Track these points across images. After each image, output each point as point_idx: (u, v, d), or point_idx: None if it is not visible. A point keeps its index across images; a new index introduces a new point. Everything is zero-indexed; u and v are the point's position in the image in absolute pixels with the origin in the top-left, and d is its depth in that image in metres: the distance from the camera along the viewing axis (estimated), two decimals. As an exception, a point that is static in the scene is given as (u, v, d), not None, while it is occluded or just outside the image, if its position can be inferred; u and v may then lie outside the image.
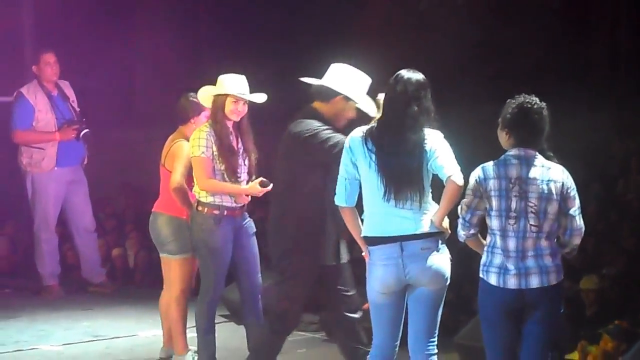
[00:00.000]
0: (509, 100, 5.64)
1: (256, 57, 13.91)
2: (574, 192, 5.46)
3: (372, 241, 5.66)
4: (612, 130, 13.52)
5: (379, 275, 5.66)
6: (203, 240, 7.19)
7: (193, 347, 7.69)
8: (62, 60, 10.30)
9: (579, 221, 5.49)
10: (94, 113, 10.63)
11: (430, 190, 5.65)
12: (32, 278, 10.59)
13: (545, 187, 5.37)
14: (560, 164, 5.51)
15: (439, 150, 5.55)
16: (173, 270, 7.57)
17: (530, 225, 5.37)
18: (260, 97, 7.17)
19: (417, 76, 5.67)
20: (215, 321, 7.95)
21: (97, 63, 10.91)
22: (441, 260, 5.63)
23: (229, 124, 7.22)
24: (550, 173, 5.42)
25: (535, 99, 5.51)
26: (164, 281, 7.73)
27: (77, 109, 10.27)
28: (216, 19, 15.34)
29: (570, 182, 5.46)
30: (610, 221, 11.17)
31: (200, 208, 7.19)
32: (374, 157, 5.59)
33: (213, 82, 7.23)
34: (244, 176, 7.19)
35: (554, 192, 5.38)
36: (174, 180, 7.35)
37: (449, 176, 5.46)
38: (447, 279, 5.69)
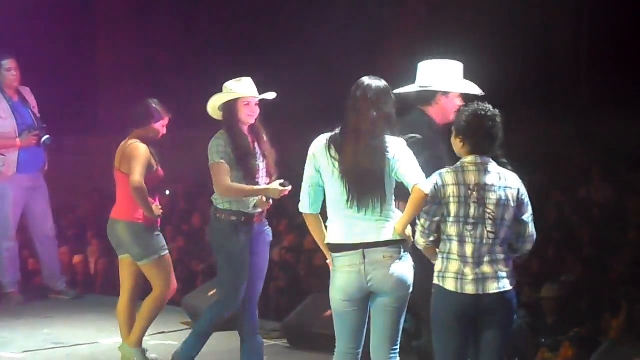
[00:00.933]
0: (461, 107, 5.69)
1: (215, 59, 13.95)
2: (527, 199, 5.50)
3: (334, 248, 5.66)
4: (574, 139, 13.63)
5: (342, 283, 5.66)
6: (222, 246, 7.09)
7: (153, 355, 7.70)
8: (22, 66, 10.22)
9: (532, 228, 5.52)
10: (55, 119, 10.55)
11: (394, 198, 5.65)
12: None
13: (502, 193, 5.40)
14: (513, 171, 5.55)
15: (402, 158, 5.54)
16: (150, 274, 7.52)
17: (488, 232, 5.39)
18: (271, 95, 7.09)
19: (378, 83, 5.66)
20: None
21: (59, 69, 10.84)
22: (403, 268, 5.60)
23: (244, 129, 7.11)
24: (506, 180, 5.46)
25: (489, 106, 5.53)
26: (121, 286, 7.69)
27: (38, 115, 10.21)
28: (181, 23, 15.33)
29: (523, 189, 5.50)
30: (571, 229, 11.25)
31: (218, 215, 7.09)
32: (336, 164, 5.60)
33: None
34: (262, 180, 7.10)
35: (510, 198, 5.42)
36: (133, 180, 7.28)
37: (415, 184, 5.45)
38: (409, 286, 5.66)
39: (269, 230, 7.34)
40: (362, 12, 14.82)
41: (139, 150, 7.36)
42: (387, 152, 5.54)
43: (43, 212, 10.27)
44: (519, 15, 14.68)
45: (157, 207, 7.46)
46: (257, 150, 7.15)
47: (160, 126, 7.54)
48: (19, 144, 9.94)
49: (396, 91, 5.89)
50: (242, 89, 7.07)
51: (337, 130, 5.70)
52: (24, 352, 8.52)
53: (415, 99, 6.36)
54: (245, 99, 7.05)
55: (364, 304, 5.67)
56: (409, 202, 5.49)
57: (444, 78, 6.29)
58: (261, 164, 7.13)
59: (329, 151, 5.62)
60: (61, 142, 10.27)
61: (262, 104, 7.17)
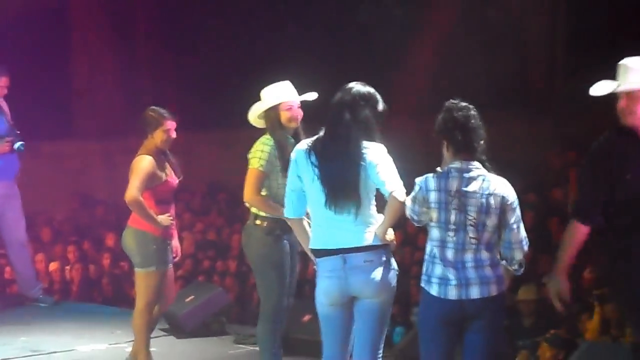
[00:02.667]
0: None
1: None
2: (514, 205, 5.43)
3: (317, 253, 5.65)
4: (550, 141, 13.67)
5: (324, 287, 5.64)
6: (264, 255, 6.87)
7: (157, 359, 7.69)
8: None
9: (520, 233, 5.46)
10: (29, 125, 10.49)
11: (374, 202, 5.63)
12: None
13: (484, 200, 5.35)
14: (499, 176, 5.52)
15: (380, 164, 5.49)
16: (137, 282, 7.53)
17: (470, 237, 5.35)
18: (312, 95, 6.97)
19: (360, 87, 5.64)
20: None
21: (34, 75, 10.78)
22: (384, 272, 5.57)
23: (289, 133, 6.86)
24: (489, 186, 5.39)
25: (463, 103, 5.48)
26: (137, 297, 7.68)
27: (11, 122, 10.16)
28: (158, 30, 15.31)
29: (510, 195, 5.42)
30: (547, 231, 11.29)
31: (258, 222, 6.92)
32: (315, 170, 5.60)
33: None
34: None
35: (492, 205, 5.36)
36: (127, 194, 7.29)
37: (391, 192, 5.42)
38: (391, 290, 5.63)
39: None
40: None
41: (138, 164, 7.36)
42: (363, 158, 5.51)
43: (16, 219, 10.20)
44: (494, 16, 14.74)
45: (165, 218, 7.44)
46: None
47: (163, 132, 7.48)
48: None
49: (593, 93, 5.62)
50: (280, 93, 6.89)
51: (319, 135, 5.70)
52: (2, 359, 8.47)
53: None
54: (287, 104, 6.86)
55: (348, 308, 5.65)
56: (386, 210, 5.47)
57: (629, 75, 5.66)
58: None
59: (310, 157, 5.61)
60: (37, 148, 10.19)
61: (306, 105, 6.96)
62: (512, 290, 9.70)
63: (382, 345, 5.69)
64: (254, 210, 6.92)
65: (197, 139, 14.57)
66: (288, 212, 5.75)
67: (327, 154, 5.56)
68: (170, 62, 15.62)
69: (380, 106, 5.67)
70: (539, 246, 10.70)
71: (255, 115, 6.92)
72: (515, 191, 5.44)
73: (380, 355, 5.69)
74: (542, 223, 11.50)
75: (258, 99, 6.94)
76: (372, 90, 5.67)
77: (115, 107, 15.11)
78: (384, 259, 5.57)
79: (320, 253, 5.62)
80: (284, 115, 6.85)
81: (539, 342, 8.79)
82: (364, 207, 5.54)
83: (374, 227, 5.56)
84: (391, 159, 5.55)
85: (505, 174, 5.52)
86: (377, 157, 5.51)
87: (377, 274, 5.55)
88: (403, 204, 5.42)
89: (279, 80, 6.93)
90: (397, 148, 5.68)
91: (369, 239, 5.54)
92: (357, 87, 5.65)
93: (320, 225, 5.62)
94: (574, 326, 9.11)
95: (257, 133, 7.02)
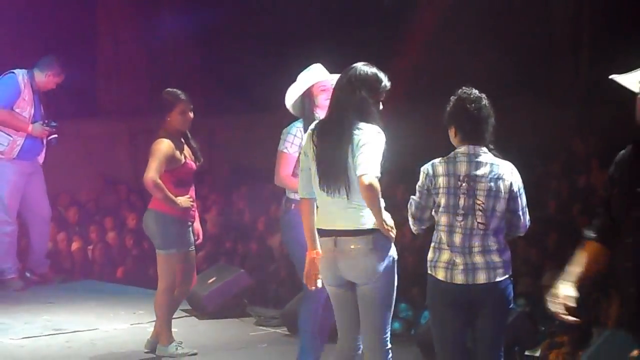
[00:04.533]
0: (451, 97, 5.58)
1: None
2: (521, 190, 5.44)
3: (318, 233, 5.62)
4: (574, 127, 13.60)
5: (321, 268, 5.63)
6: (295, 238, 6.62)
7: (186, 349, 7.73)
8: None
9: (525, 219, 5.49)
10: (54, 103, 10.56)
11: None
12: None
13: (493, 185, 5.34)
14: (510, 161, 5.49)
15: (364, 146, 5.35)
16: (159, 264, 7.58)
17: (478, 222, 5.34)
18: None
19: (360, 68, 5.52)
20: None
21: (60, 56, 10.82)
22: (373, 259, 5.43)
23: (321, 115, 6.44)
24: (498, 170, 5.38)
25: (474, 91, 5.46)
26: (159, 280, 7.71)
27: (44, 114, 10.27)
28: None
29: (517, 180, 5.43)
30: (572, 217, 11.24)
31: (288, 205, 6.87)
32: (315, 149, 5.55)
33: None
34: None
35: (502, 190, 5.36)
36: (145, 177, 7.35)
37: (359, 175, 5.32)
38: (382, 278, 5.47)
39: None
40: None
41: (156, 147, 7.43)
42: (353, 139, 5.42)
43: (41, 196, 10.32)
44: (519, 4, 14.67)
45: (185, 200, 7.49)
46: None
47: (178, 115, 7.51)
48: (30, 131, 10.00)
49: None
50: (313, 75, 6.78)
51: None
52: (24, 338, 8.53)
53: None
54: (321, 84, 6.74)
55: (348, 289, 5.59)
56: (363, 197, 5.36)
57: None
58: None
59: (313, 137, 5.59)
60: (61, 128, 10.28)
61: None
62: (537, 277, 9.68)
63: (387, 330, 5.61)
64: (289, 192, 6.87)
65: (221, 122, 14.59)
66: (300, 191, 5.71)
67: (322, 135, 5.52)
68: (196, 45, 15.63)
69: (381, 87, 5.54)
70: (564, 233, 10.68)
71: (292, 99, 6.75)
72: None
73: (387, 339, 5.61)
74: (567, 209, 11.44)
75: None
76: (373, 70, 5.55)
77: (140, 88, 15.13)
78: (373, 245, 5.45)
79: (320, 233, 5.59)
80: (319, 97, 6.72)
81: (557, 329, 8.77)
82: (355, 191, 5.44)
83: (367, 211, 5.44)
84: (381, 142, 5.42)
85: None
86: (365, 137, 5.40)
87: (365, 260, 5.45)
88: (370, 188, 5.28)
89: (303, 65, 6.90)
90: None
91: (358, 222, 5.44)
92: (357, 67, 5.55)
93: (319, 205, 5.59)
94: (596, 313, 9.07)
95: (281, 117, 7.01)
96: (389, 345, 5.65)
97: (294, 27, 14.74)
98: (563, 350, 8.67)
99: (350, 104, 5.47)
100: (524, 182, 5.54)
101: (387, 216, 5.46)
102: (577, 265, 4.88)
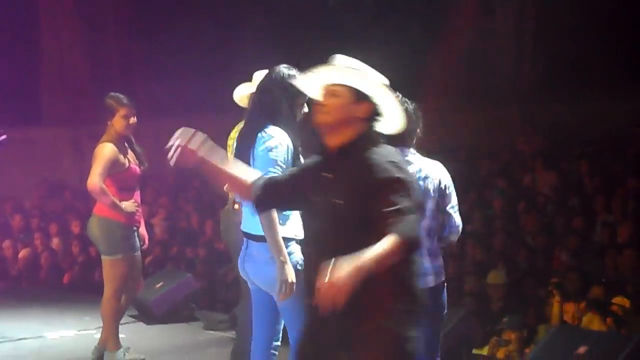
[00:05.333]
0: None
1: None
2: (451, 189, 5.35)
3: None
4: (518, 127, 13.71)
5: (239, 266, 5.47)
6: (240, 239, 6.69)
7: (135, 355, 7.69)
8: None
9: (457, 218, 5.37)
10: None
11: None
12: None
13: (421, 184, 5.24)
14: (438, 161, 5.40)
15: (260, 153, 5.16)
16: (105, 270, 7.51)
17: None
18: None
19: (277, 70, 5.35)
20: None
21: (4, 62, 10.70)
22: (271, 269, 5.13)
23: None
24: (426, 170, 5.31)
25: (395, 93, 5.36)
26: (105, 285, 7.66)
27: None
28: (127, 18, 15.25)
29: (447, 179, 5.35)
30: (516, 217, 11.34)
31: (237, 207, 6.63)
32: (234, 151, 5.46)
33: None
34: None
35: (430, 189, 5.28)
36: (89, 181, 7.29)
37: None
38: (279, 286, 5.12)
39: None
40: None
41: (99, 151, 7.35)
42: (256, 144, 5.22)
43: None
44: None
45: (130, 205, 7.44)
46: None
47: (121, 119, 7.47)
48: None
49: None
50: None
51: None
52: (-31, 347, 8.45)
53: None
54: None
55: (260, 291, 5.38)
56: None
57: None
58: None
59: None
60: (7, 134, 10.21)
61: None
62: (481, 275, 9.75)
63: (275, 339, 5.41)
64: (232, 194, 6.86)
65: (166, 125, 14.52)
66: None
67: (239, 136, 5.44)
68: (141, 50, 15.58)
69: (298, 90, 5.16)
70: (508, 232, 10.78)
71: (240, 95, 6.63)
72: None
73: (274, 349, 5.42)
74: (511, 209, 11.54)
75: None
76: (291, 72, 5.32)
77: (85, 94, 15.04)
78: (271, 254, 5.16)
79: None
80: None
81: (503, 327, 8.85)
82: None
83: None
84: (282, 147, 5.18)
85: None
86: (262, 145, 5.19)
87: (264, 267, 5.22)
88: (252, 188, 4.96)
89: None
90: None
91: (260, 227, 5.17)
92: (275, 69, 5.36)
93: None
94: (540, 310, 9.16)
95: (227, 119, 6.99)
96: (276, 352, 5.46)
97: (240, 27, 14.75)
98: (510, 347, 8.75)
99: (263, 106, 5.31)
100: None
101: (289, 265, 5.10)
102: None
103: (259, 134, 5.20)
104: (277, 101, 5.27)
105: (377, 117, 4.23)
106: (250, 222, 5.27)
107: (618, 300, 8.78)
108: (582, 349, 5.41)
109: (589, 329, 8.12)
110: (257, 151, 5.17)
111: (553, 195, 11.80)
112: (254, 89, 6.37)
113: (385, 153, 4.12)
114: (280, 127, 5.23)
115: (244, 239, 5.36)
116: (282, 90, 5.28)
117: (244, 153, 5.22)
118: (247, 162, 5.14)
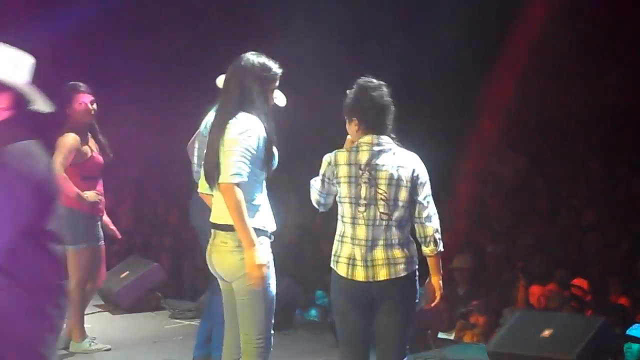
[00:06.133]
0: (347, 91, 5.36)
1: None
2: (424, 179, 5.25)
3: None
4: (481, 111, 13.72)
5: (207, 258, 5.34)
6: (205, 221, 6.51)
7: (100, 344, 7.65)
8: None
9: (430, 209, 5.24)
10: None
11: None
12: None
13: (394, 173, 5.18)
14: (414, 152, 5.28)
15: (228, 143, 5.06)
16: (69, 260, 7.45)
17: (381, 213, 5.16)
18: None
19: (249, 57, 5.24)
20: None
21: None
22: (236, 257, 5.08)
23: None
24: (400, 159, 5.23)
25: (373, 80, 5.29)
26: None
27: None
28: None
29: (420, 169, 5.26)
30: (482, 200, 11.39)
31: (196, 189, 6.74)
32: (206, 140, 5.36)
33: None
34: None
35: (403, 178, 5.19)
36: None
37: (219, 182, 5.04)
38: (243, 277, 5.06)
39: None
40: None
41: (61, 141, 7.31)
42: (226, 131, 5.12)
43: None
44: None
45: (93, 194, 7.38)
46: None
47: (77, 106, 7.41)
48: None
49: None
50: None
51: None
52: None
53: None
54: None
55: (227, 284, 5.28)
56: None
57: None
58: None
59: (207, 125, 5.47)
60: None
61: None
62: (447, 260, 9.78)
63: (256, 332, 5.21)
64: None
65: (133, 114, 14.46)
66: (200, 186, 5.50)
67: (211, 126, 5.33)
68: (106, 36, 15.48)
69: (270, 75, 5.21)
70: (473, 216, 10.83)
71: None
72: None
73: (260, 342, 5.23)
74: (476, 193, 11.58)
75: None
76: (261, 59, 5.25)
77: (45, 82, 14.89)
78: (239, 243, 5.07)
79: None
80: None
81: (471, 310, 8.89)
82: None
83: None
84: (250, 135, 5.09)
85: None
86: (231, 133, 5.10)
87: (230, 257, 5.14)
88: (228, 194, 5.00)
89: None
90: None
91: (226, 217, 5.10)
92: (243, 57, 5.28)
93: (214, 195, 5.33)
94: (506, 294, 9.22)
95: (193, 107, 6.96)
96: (265, 347, 5.26)
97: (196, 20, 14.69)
98: (476, 331, 8.80)
99: (233, 93, 5.21)
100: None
101: (261, 248, 5.08)
102: None
103: (230, 121, 5.11)
104: (246, 87, 5.19)
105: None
106: (218, 212, 5.19)
107: (578, 282, 8.85)
108: (546, 332, 5.40)
109: (553, 312, 8.17)
110: (226, 137, 5.07)
111: (517, 178, 11.85)
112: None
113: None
114: (252, 114, 5.14)
115: (212, 230, 5.28)
116: (252, 77, 5.19)
117: (216, 141, 5.13)
118: (214, 152, 5.10)
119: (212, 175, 5.13)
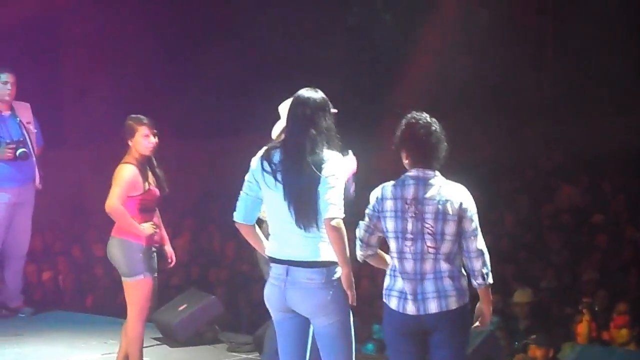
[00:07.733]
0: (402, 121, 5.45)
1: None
2: (471, 213, 5.24)
3: (270, 260, 5.46)
4: (539, 143, 13.68)
5: (266, 294, 5.47)
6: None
7: None
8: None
9: (477, 243, 5.23)
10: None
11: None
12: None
13: (441, 207, 5.19)
14: (462, 185, 5.31)
15: (330, 181, 5.23)
16: (127, 292, 7.48)
17: (428, 247, 5.18)
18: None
19: (316, 96, 5.40)
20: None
21: (25, 85, 10.67)
22: (324, 293, 5.25)
23: None
24: (447, 193, 5.23)
25: (423, 115, 5.32)
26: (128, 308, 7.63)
27: (34, 130, 10.01)
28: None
29: (468, 202, 5.25)
30: (540, 234, 11.29)
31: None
32: (273, 178, 5.39)
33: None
34: None
35: (450, 212, 5.19)
36: (108, 203, 7.28)
37: (327, 219, 5.17)
38: (334, 312, 5.26)
39: None
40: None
41: (118, 173, 7.35)
42: (323, 168, 5.27)
43: (23, 231, 10.09)
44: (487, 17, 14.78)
45: (149, 226, 7.42)
46: None
47: (141, 138, 7.45)
48: None
49: None
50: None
51: (274, 144, 5.56)
52: (-5, 371, 8.45)
53: None
54: None
55: (296, 321, 5.41)
56: (332, 243, 5.21)
57: None
58: None
59: (263, 165, 5.43)
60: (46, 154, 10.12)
61: None
62: (508, 294, 9.70)
63: None
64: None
65: (192, 147, 14.56)
66: (238, 217, 5.57)
67: (290, 164, 5.36)
68: (162, 70, 15.62)
69: (333, 110, 5.43)
70: (532, 249, 10.73)
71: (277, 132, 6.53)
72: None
73: None
74: (535, 226, 11.49)
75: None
76: (324, 95, 5.43)
77: (108, 116, 15.08)
78: (326, 279, 5.28)
79: (272, 260, 5.45)
80: None
81: (528, 344, 8.82)
82: (317, 220, 5.29)
83: (324, 243, 5.30)
84: (343, 172, 5.35)
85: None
86: (331, 171, 5.28)
87: (315, 294, 5.28)
88: (341, 230, 5.16)
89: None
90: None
91: (314, 254, 5.28)
92: (312, 95, 5.42)
93: (274, 233, 5.44)
94: (567, 328, 9.12)
95: (251, 142, 6.97)
96: None
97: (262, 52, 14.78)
98: (532, 360, 8.72)
99: (319, 133, 5.34)
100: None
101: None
102: None
103: (324, 162, 5.27)
104: (330, 127, 5.37)
105: None
106: (300, 248, 5.30)
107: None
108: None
109: (615, 347, 8.07)
110: (325, 182, 5.22)
111: (576, 212, 11.74)
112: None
113: None
114: (333, 149, 5.35)
115: (281, 265, 5.36)
116: (329, 114, 5.39)
117: (309, 183, 5.27)
118: (312, 192, 5.24)
119: (306, 211, 5.25)
